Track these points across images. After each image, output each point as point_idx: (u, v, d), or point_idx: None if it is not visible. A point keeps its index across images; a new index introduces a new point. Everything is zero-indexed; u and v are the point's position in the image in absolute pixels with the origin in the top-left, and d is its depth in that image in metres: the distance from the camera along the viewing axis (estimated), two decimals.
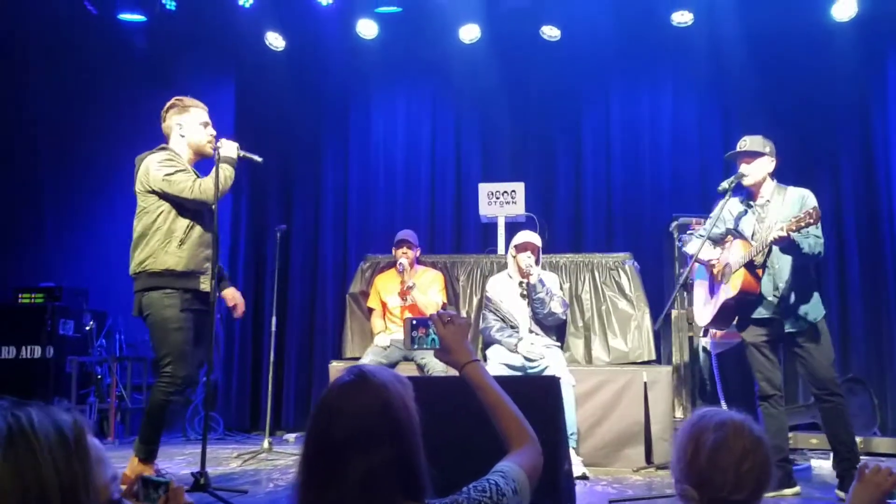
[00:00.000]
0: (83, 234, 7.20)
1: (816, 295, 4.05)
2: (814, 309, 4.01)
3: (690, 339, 3.76)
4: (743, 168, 4.13)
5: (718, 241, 4.29)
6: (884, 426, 6.00)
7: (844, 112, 6.74)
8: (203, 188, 3.80)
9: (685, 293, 4.08)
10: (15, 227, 7.25)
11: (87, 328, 6.63)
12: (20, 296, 6.51)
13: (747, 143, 4.16)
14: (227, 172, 3.87)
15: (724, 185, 4.11)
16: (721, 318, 4.21)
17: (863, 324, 6.51)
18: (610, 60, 7.05)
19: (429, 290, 5.43)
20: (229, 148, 3.93)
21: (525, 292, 5.10)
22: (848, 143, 6.77)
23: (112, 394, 6.30)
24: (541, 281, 4.97)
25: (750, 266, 4.01)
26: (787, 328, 3.99)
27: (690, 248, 4.33)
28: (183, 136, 4.00)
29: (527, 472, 1.57)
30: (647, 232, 6.76)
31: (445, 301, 5.57)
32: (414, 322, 1.87)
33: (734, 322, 4.22)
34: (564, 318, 5.20)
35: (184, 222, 3.86)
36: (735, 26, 6.49)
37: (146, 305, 3.81)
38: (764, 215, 4.11)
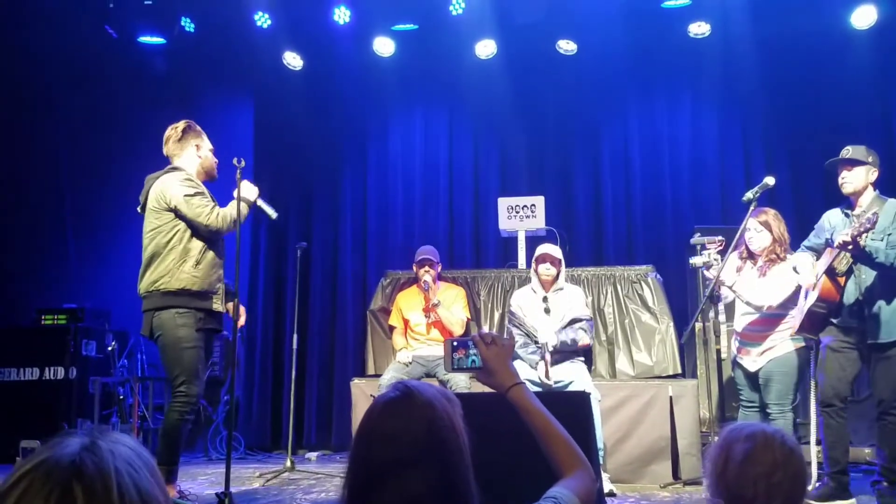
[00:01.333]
0: (106, 255, 7.25)
1: None
2: None
3: (718, 352, 3.70)
4: (844, 175, 4.14)
5: (819, 251, 4.25)
6: None
7: (866, 121, 6.65)
8: (219, 217, 3.87)
9: (713, 305, 4.02)
10: (38, 249, 7.32)
11: (110, 349, 6.66)
12: (43, 317, 6.56)
13: (850, 151, 4.17)
14: (244, 211, 3.95)
15: (749, 194, 4.08)
16: (809, 325, 4.13)
17: None
18: (627, 73, 7.03)
19: (453, 306, 5.40)
20: (250, 190, 4.04)
21: (548, 307, 5.05)
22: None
23: (134, 414, 6.31)
24: (560, 340, 4.81)
25: (830, 273, 4.00)
26: (870, 339, 3.96)
27: (796, 260, 4.26)
28: (199, 158, 4.08)
29: (581, 500, 1.49)
30: (668, 244, 6.70)
31: (470, 317, 5.54)
32: (455, 343, 1.77)
33: (820, 329, 4.18)
34: (591, 341, 5.13)
35: (199, 243, 3.90)
36: (752, 36, 6.46)
37: (157, 326, 3.82)
38: (857, 224, 4.07)
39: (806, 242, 4.35)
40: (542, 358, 4.76)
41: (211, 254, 3.92)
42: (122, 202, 7.36)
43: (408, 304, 5.53)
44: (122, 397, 6.46)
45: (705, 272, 4.22)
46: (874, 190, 4.14)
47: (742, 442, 1.58)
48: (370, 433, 1.33)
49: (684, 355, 5.60)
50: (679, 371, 5.29)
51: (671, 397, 4.86)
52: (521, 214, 6.07)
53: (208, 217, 3.83)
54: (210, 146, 4.16)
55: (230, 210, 3.90)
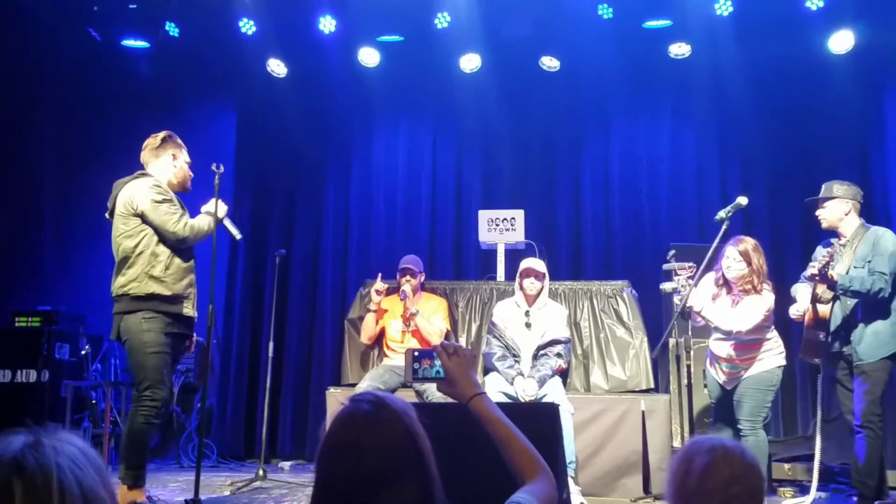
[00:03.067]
0: (82, 259, 7.19)
1: (889, 330, 4.13)
2: (883, 345, 4.13)
3: (689, 367, 3.74)
4: (818, 212, 4.42)
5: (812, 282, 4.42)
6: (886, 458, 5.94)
7: (842, 143, 6.77)
8: (187, 227, 3.87)
9: (684, 322, 4.09)
10: (14, 251, 7.25)
11: (83, 352, 6.59)
12: (16, 319, 6.48)
13: (822, 189, 4.43)
14: (210, 226, 3.94)
15: (722, 213, 4.18)
16: (807, 350, 4.39)
17: None
18: (609, 90, 7.11)
19: (432, 317, 5.41)
20: (221, 209, 4.05)
21: (530, 322, 5.07)
22: (846, 174, 6.77)
23: (106, 419, 6.25)
24: (539, 384, 4.77)
25: (814, 301, 4.23)
26: (855, 360, 4.16)
27: (793, 291, 4.52)
28: (175, 168, 4.09)
29: None
30: (645, 260, 6.76)
31: (449, 328, 5.55)
32: (416, 353, 1.78)
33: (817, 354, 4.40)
34: (568, 364, 5.14)
35: (168, 247, 3.88)
36: (732, 58, 6.54)
37: (124, 330, 3.82)
38: (842, 254, 4.24)
39: (805, 273, 4.50)
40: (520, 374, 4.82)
41: (181, 257, 3.91)
42: (102, 206, 7.32)
43: (389, 311, 5.53)
44: (94, 402, 6.40)
45: (674, 298, 4.28)
46: (858, 219, 4.35)
47: (703, 455, 1.59)
48: (351, 446, 1.29)
49: (658, 370, 5.64)
50: (652, 386, 5.33)
51: (644, 412, 4.90)
52: (501, 227, 6.10)
53: (175, 225, 3.83)
54: (188, 159, 4.18)
55: (199, 222, 3.92)
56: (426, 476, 1.30)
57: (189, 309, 3.91)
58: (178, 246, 3.90)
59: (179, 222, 3.85)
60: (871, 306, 4.12)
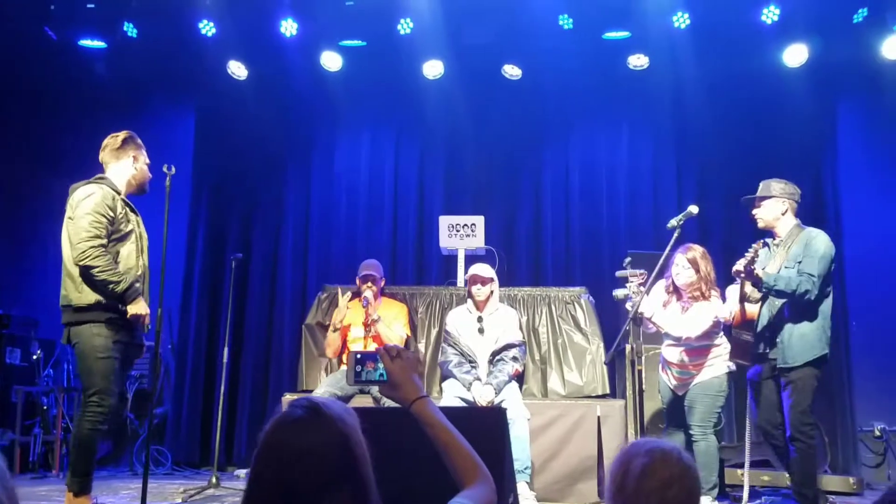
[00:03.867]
0: (36, 263, 7.05)
1: (815, 333, 4.04)
2: (811, 347, 4.02)
3: (640, 372, 3.79)
4: (754, 211, 4.30)
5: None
6: (834, 464, 6.08)
7: (796, 154, 6.93)
8: (97, 259, 3.65)
9: (635, 327, 4.13)
10: None
11: (35, 357, 6.46)
12: None
13: (760, 187, 4.32)
14: (116, 286, 3.69)
15: (674, 222, 4.21)
16: (737, 351, 4.30)
17: None
18: (569, 99, 7.19)
19: (393, 323, 5.37)
20: (138, 308, 3.78)
21: (482, 327, 5.09)
22: (799, 185, 6.88)
23: (58, 425, 6.13)
24: (496, 391, 4.78)
25: (742, 300, 4.16)
26: (779, 363, 4.07)
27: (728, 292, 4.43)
28: (135, 170, 4.02)
29: None
30: (604, 267, 6.83)
31: (409, 334, 5.54)
32: (359, 356, 1.76)
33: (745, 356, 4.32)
34: (523, 366, 5.17)
35: (108, 254, 3.80)
36: (690, 70, 6.67)
37: (75, 334, 3.76)
38: (774, 254, 4.23)
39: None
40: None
41: (123, 265, 3.81)
42: (54, 208, 7.18)
43: (349, 316, 5.49)
44: (45, 407, 6.28)
45: (626, 305, 4.32)
46: (794, 219, 4.25)
47: (641, 457, 1.60)
48: (283, 452, 1.27)
49: (615, 376, 5.71)
50: (608, 391, 5.39)
51: (599, 417, 4.94)
52: (462, 233, 6.12)
53: (83, 242, 3.66)
54: (147, 160, 4.11)
55: (114, 273, 3.69)
56: (360, 483, 1.29)
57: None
58: (75, 262, 3.72)
59: (89, 242, 3.67)
60: (798, 308, 4.03)
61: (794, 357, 4.01)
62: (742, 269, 3.89)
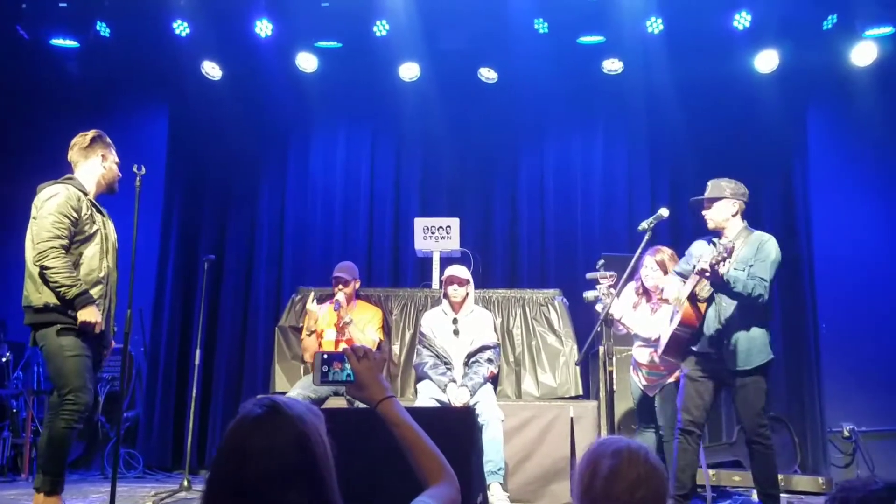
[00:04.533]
0: (3, 265, 6.94)
1: (764, 338, 4.05)
2: (759, 351, 4.03)
3: (611, 374, 3.81)
4: (704, 213, 4.22)
5: (687, 277, 4.32)
6: (804, 464, 6.16)
7: (767, 159, 7.04)
8: (55, 260, 3.62)
9: (607, 329, 4.14)
10: None
11: (4, 360, 6.35)
12: None
13: (709, 188, 4.24)
14: (71, 290, 3.65)
15: (644, 224, 4.21)
16: (673, 348, 4.23)
17: (783, 364, 6.71)
18: (545, 103, 7.23)
19: (366, 326, 5.36)
20: (88, 314, 3.71)
21: (458, 329, 5.10)
22: (770, 189, 7.07)
23: (27, 428, 6.04)
24: (472, 390, 4.80)
25: (692, 299, 4.09)
26: (729, 367, 4.04)
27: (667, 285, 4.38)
28: (104, 169, 3.98)
29: None
30: (578, 270, 6.84)
31: (383, 339, 5.53)
32: (326, 356, 1.77)
33: (680, 354, 4.27)
34: (498, 368, 5.16)
35: (69, 256, 3.75)
36: (663, 75, 6.74)
37: (41, 336, 3.71)
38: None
39: (676, 268, 4.44)
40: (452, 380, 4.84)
41: (84, 269, 3.76)
42: (24, 208, 7.09)
43: (323, 319, 5.47)
44: (15, 410, 6.19)
45: (597, 307, 4.33)
46: (742, 220, 4.22)
47: (608, 458, 1.60)
48: (239, 450, 1.27)
49: (588, 377, 5.75)
50: (581, 392, 5.42)
51: (572, 418, 4.97)
52: (437, 235, 6.14)
53: (42, 242, 3.63)
54: (117, 159, 4.06)
55: (67, 277, 3.64)
56: (318, 483, 1.28)
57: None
58: (34, 262, 3.68)
59: (49, 242, 3.63)
60: (748, 313, 4.02)
61: (746, 361, 4.00)
62: (708, 266, 3.83)
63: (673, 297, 4.21)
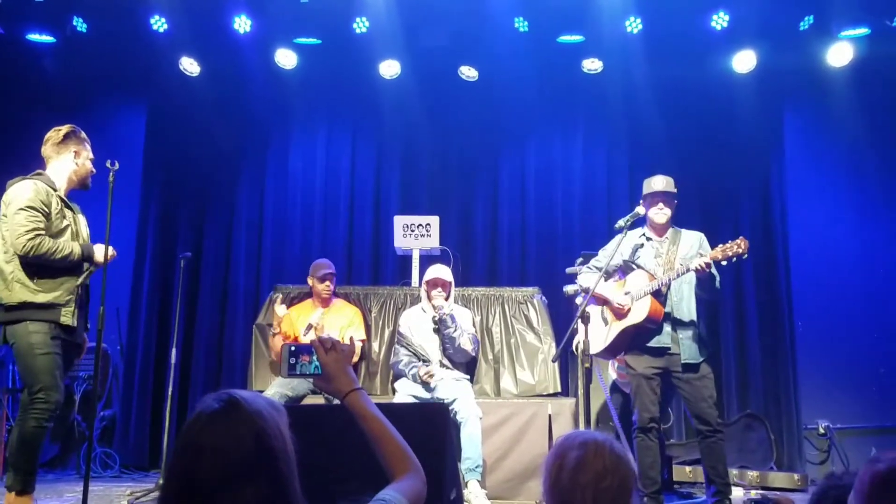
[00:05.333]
0: None
1: (706, 330, 4.26)
2: (707, 344, 4.23)
3: (588, 370, 3.83)
4: (661, 206, 4.33)
5: (612, 273, 4.41)
6: (779, 461, 6.23)
7: (745, 159, 7.09)
8: (30, 243, 3.61)
9: (584, 325, 4.16)
10: None
11: None
12: None
13: (665, 182, 4.35)
14: (72, 254, 3.73)
15: (621, 222, 4.25)
16: (616, 346, 4.33)
17: (760, 362, 6.78)
18: (525, 102, 7.24)
19: (348, 330, 5.32)
20: (100, 253, 3.85)
21: (437, 327, 5.11)
22: (747, 189, 7.13)
23: (2, 426, 5.97)
24: (451, 317, 4.98)
25: (656, 294, 4.17)
26: (685, 359, 4.13)
27: (584, 281, 4.45)
28: (76, 165, 3.94)
29: (410, 501, 1.53)
30: (558, 268, 6.87)
31: (365, 339, 5.52)
32: (293, 348, 1.77)
33: (623, 352, 4.32)
34: (475, 354, 5.20)
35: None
36: (642, 75, 6.77)
37: (10, 334, 3.68)
38: (662, 250, 4.29)
39: (596, 263, 4.50)
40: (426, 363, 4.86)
41: (56, 266, 3.74)
42: None
43: (300, 318, 5.45)
44: None
45: (576, 300, 4.37)
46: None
47: (575, 450, 1.62)
48: (194, 446, 1.25)
49: (567, 374, 5.77)
50: (559, 390, 5.44)
51: (550, 415, 4.99)
52: (416, 233, 6.13)
53: (21, 237, 3.61)
54: (91, 155, 4.02)
55: (60, 246, 3.68)
56: (276, 479, 1.27)
57: (67, 318, 3.73)
58: (22, 260, 3.67)
59: (26, 236, 3.61)
60: (696, 306, 4.20)
61: (701, 352, 4.16)
62: (722, 259, 3.91)
63: (635, 292, 4.26)
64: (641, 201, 4.40)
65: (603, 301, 4.39)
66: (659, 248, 4.33)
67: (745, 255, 3.92)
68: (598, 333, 4.34)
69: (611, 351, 4.42)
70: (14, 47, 6.73)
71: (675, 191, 4.37)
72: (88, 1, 6.45)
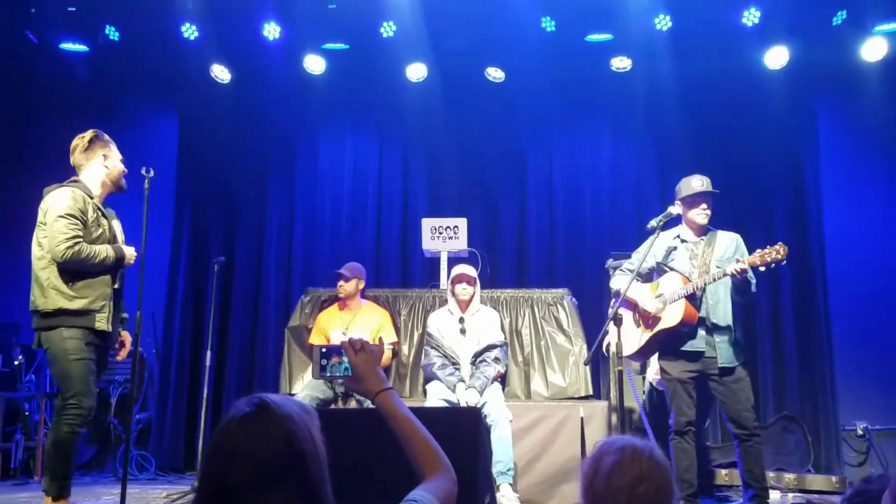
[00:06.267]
0: (15, 267, 6.98)
1: (743, 335, 4.21)
2: (745, 348, 4.18)
3: (620, 373, 3.80)
4: (704, 206, 4.26)
5: (646, 275, 4.37)
6: (817, 463, 6.12)
7: (777, 157, 6.98)
8: (70, 250, 3.67)
9: (616, 328, 4.12)
10: None
11: (17, 363, 6.40)
12: None
13: (707, 183, 4.27)
14: (107, 257, 3.79)
15: (653, 222, 4.19)
16: (648, 349, 4.29)
17: (796, 363, 6.67)
18: (552, 102, 7.21)
19: (379, 334, 5.34)
20: (131, 254, 3.93)
21: (464, 328, 5.10)
22: (780, 187, 7.02)
23: (40, 431, 6.08)
24: (480, 390, 4.82)
25: (691, 298, 4.11)
26: (721, 363, 4.08)
27: (616, 283, 4.41)
28: (106, 168, 3.96)
29: (440, 501, 1.52)
30: (587, 269, 6.86)
31: (397, 340, 5.54)
32: (324, 350, 1.80)
33: (655, 355, 4.29)
34: (506, 367, 5.17)
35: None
36: (672, 73, 6.69)
37: (45, 340, 3.73)
38: (697, 252, 4.23)
39: (629, 265, 4.45)
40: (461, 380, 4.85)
41: (92, 272, 3.80)
42: (34, 212, 7.14)
43: (329, 322, 5.48)
44: (27, 413, 6.23)
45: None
46: None
47: (612, 454, 1.61)
48: (225, 450, 1.27)
49: (598, 377, 5.73)
50: (591, 392, 5.40)
51: (582, 418, 4.95)
52: (444, 235, 6.14)
53: (60, 245, 3.66)
54: (119, 156, 4.04)
55: (95, 249, 3.74)
56: (305, 481, 1.28)
57: (103, 323, 3.78)
58: (61, 266, 3.73)
59: (66, 243, 3.67)
60: (737, 310, 4.14)
61: (737, 356, 4.10)
62: (760, 263, 3.86)
63: (669, 295, 4.20)
64: (678, 202, 4.33)
65: (633, 305, 4.35)
66: (694, 250, 4.27)
67: (784, 262, 3.86)
68: (630, 336, 4.30)
69: (643, 353, 4.39)
70: (48, 57, 6.86)
71: (716, 191, 4.30)
72: (120, 10, 6.54)
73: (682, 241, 4.31)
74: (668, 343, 4.19)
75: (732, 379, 4.09)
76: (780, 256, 3.84)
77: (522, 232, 7.30)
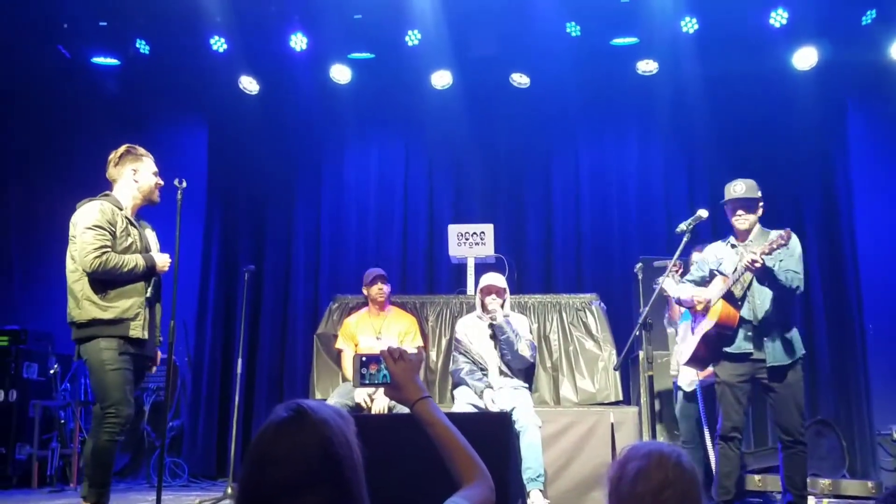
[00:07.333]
0: (51, 277, 7.11)
1: (797, 332, 4.09)
2: (796, 346, 4.04)
3: (650, 378, 3.77)
4: (740, 213, 4.19)
5: (702, 284, 4.31)
6: (852, 468, 6.02)
7: (806, 158, 6.91)
8: (97, 261, 3.70)
9: (646, 333, 4.09)
10: None
11: (52, 372, 6.53)
12: None
13: (744, 188, 4.19)
14: (136, 266, 3.82)
15: (683, 226, 4.17)
16: (699, 354, 4.21)
17: (830, 367, 6.58)
18: (578, 106, 7.20)
19: (405, 338, 5.38)
20: (163, 262, 3.96)
21: (493, 333, 5.10)
22: (810, 188, 6.94)
23: (75, 439, 6.18)
24: (507, 321, 4.97)
25: (729, 298, 4.06)
26: (770, 362, 4.00)
27: (670, 289, 4.37)
28: (136, 182, 4.01)
29: None
30: (615, 273, 6.83)
31: (423, 345, 5.56)
32: (364, 359, 1.82)
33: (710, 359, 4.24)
34: (533, 360, 5.17)
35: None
36: (698, 75, 6.66)
37: (83, 351, 3.80)
38: (742, 254, 4.19)
39: (689, 277, 4.40)
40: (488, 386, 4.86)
41: (122, 281, 3.85)
42: (67, 224, 7.27)
43: (358, 327, 5.51)
44: (63, 421, 6.34)
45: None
46: (758, 222, 4.24)
47: (638, 460, 1.60)
48: (262, 455, 1.29)
49: (628, 382, 5.69)
50: (620, 398, 5.37)
51: (612, 424, 4.93)
52: (471, 241, 6.14)
53: (87, 256, 3.71)
54: (153, 169, 4.07)
55: (124, 259, 3.78)
56: (341, 486, 1.30)
57: (138, 331, 3.83)
58: (91, 277, 3.78)
59: (94, 254, 3.71)
60: (782, 308, 4.04)
61: (787, 356, 4.00)
62: (759, 256, 3.82)
63: (705, 298, 4.16)
64: (725, 206, 4.28)
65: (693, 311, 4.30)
66: (743, 252, 4.22)
67: (785, 245, 3.85)
68: (686, 343, 4.27)
69: (697, 360, 4.29)
70: (80, 71, 7.01)
71: (758, 195, 4.19)
72: (150, 24, 6.67)
73: (732, 245, 4.27)
74: (716, 345, 4.13)
75: (783, 385, 4.00)
76: (783, 242, 3.82)
77: (549, 237, 7.29)
